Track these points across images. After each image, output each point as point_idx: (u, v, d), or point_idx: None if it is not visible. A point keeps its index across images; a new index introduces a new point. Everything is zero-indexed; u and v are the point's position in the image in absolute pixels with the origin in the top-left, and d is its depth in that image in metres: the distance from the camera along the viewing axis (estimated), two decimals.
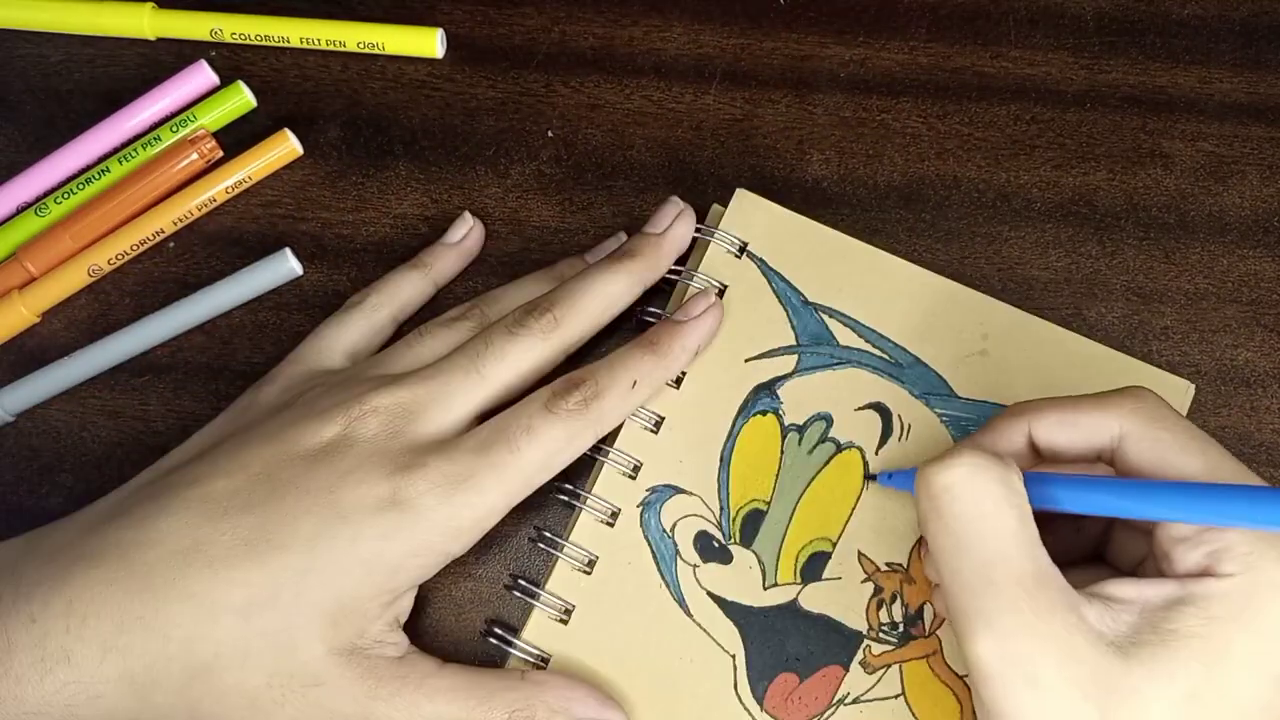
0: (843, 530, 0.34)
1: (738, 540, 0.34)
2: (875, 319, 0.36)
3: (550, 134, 0.40)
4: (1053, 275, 0.38)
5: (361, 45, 0.40)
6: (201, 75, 0.39)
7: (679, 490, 0.34)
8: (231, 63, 0.40)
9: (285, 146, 0.39)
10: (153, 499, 0.30)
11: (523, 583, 0.34)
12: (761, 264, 0.36)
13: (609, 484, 0.34)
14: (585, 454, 0.32)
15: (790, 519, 0.34)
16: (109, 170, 0.38)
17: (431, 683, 0.30)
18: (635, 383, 0.32)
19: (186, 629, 0.28)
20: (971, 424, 0.35)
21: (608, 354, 0.33)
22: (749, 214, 0.36)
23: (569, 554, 0.34)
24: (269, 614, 0.28)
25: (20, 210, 0.39)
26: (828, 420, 0.35)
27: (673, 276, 0.36)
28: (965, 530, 0.26)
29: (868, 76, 0.40)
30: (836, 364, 0.35)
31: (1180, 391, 0.35)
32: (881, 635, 0.33)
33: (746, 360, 0.35)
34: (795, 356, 0.35)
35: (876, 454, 0.35)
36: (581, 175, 0.39)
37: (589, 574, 0.34)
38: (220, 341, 0.38)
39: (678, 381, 0.35)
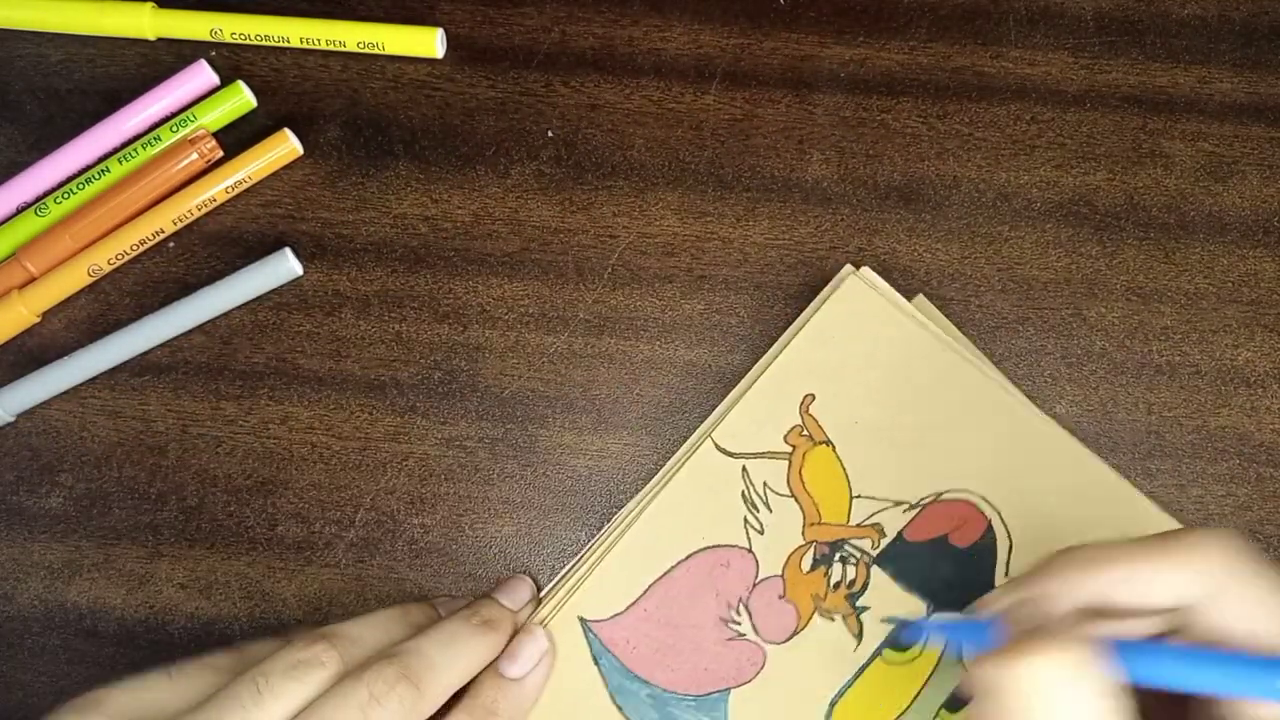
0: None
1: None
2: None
3: (550, 134, 0.40)
4: (1053, 275, 0.38)
5: (361, 45, 0.40)
6: (202, 75, 0.39)
7: None
8: (231, 63, 0.40)
9: (285, 146, 0.39)
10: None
11: None
12: None
13: None
14: None
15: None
16: (109, 170, 0.38)
17: None
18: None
19: None
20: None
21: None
22: None
23: None
24: None
25: (20, 210, 0.39)
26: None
27: None
28: None
29: (868, 76, 0.40)
30: None
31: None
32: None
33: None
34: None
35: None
36: (581, 175, 0.39)
37: None
38: (220, 341, 0.38)
39: None
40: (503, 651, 0.32)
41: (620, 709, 0.34)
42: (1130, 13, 0.41)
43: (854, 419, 0.36)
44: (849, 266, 0.37)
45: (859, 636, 0.34)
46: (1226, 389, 0.37)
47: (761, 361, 0.37)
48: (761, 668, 0.34)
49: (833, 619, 0.34)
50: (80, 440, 0.37)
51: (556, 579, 0.35)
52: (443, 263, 0.38)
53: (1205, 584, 0.24)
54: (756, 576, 0.35)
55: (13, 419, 0.37)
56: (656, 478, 0.36)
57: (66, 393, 0.37)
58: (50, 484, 0.37)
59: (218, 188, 0.38)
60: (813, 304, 0.37)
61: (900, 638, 0.34)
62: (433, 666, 0.29)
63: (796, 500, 0.35)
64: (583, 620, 0.34)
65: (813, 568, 0.35)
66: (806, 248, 0.38)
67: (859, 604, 0.34)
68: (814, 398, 0.36)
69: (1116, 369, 0.37)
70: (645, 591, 0.34)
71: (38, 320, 0.38)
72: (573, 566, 0.35)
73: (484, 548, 0.36)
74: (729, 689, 0.34)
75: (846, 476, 0.35)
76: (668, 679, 0.34)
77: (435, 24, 0.40)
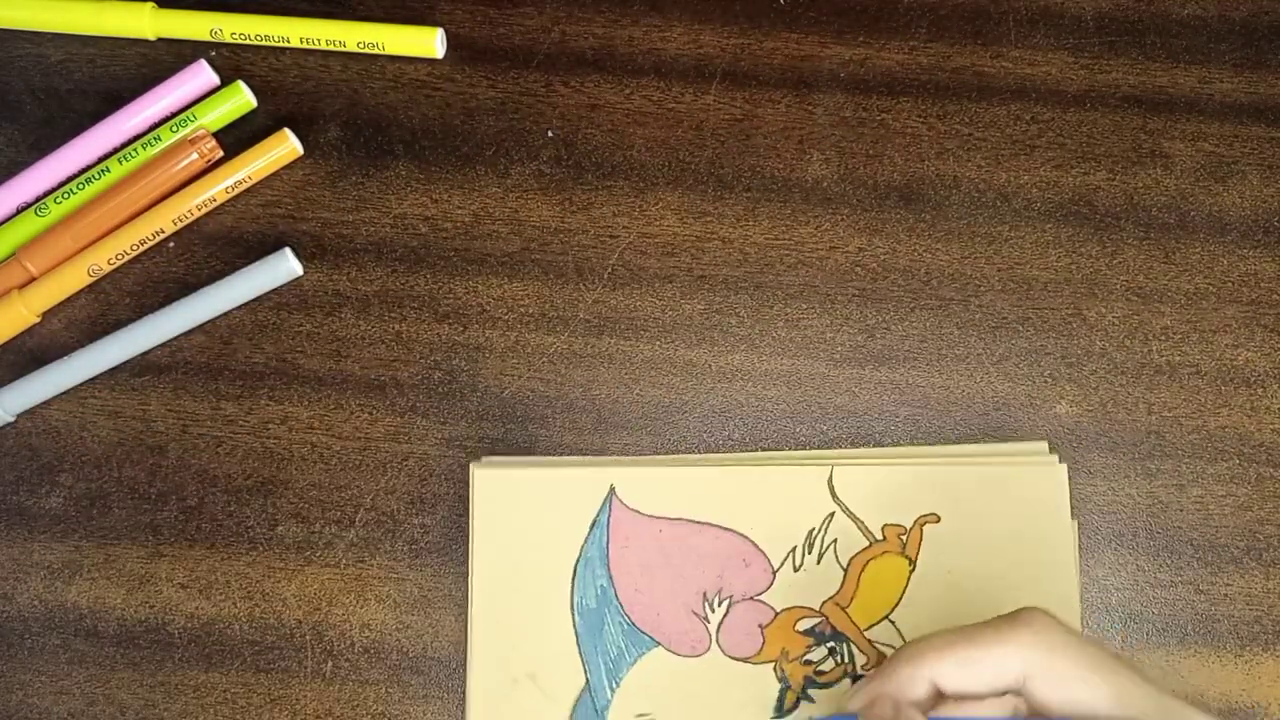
0: None
1: None
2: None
3: (550, 134, 0.40)
4: (1053, 275, 0.38)
5: (361, 45, 0.40)
6: (202, 75, 0.39)
7: None
8: (231, 63, 0.40)
9: (285, 146, 0.39)
10: None
11: None
12: None
13: None
14: None
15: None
16: (109, 170, 0.38)
17: None
18: None
19: None
20: None
21: None
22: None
23: None
24: None
25: (20, 210, 0.39)
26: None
27: None
28: None
29: (868, 76, 0.40)
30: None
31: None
32: (848, 658, 0.34)
33: None
34: None
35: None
36: (581, 175, 0.39)
37: None
38: (220, 341, 0.38)
39: None
40: None
41: (574, 575, 0.35)
42: (1130, 13, 0.41)
43: (949, 568, 0.35)
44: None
45: (782, 710, 0.34)
46: (1226, 389, 0.37)
47: (935, 451, 0.37)
48: (697, 655, 0.34)
49: (780, 680, 0.35)
50: (80, 440, 0.37)
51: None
52: (443, 263, 0.38)
53: (1025, 661, 0.26)
54: (758, 594, 0.35)
55: (13, 419, 0.37)
56: (759, 455, 0.37)
57: (66, 393, 0.37)
58: (50, 484, 0.37)
59: (218, 188, 0.38)
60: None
61: None
62: None
63: (845, 576, 0.35)
64: (612, 488, 0.35)
65: (806, 633, 0.35)
66: (806, 248, 0.38)
67: (809, 690, 0.34)
68: (938, 519, 0.35)
69: (1116, 369, 0.37)
70: (675, 519, 0.35)
71: (38, 320, 0.38)
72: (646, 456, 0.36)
73: None
74: (659, 645, 0.35)
75: (899, 600, 0.35)
76: (627, 594, 0.35)
77: (435, 24, 0.40)
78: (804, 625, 0.35)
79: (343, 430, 0.37)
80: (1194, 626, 0.36)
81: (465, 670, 0.35)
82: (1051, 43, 0.40)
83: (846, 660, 0.35)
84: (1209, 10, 0.41)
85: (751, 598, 0.35)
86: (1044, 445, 0.36)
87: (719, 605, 0.35)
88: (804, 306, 0.38)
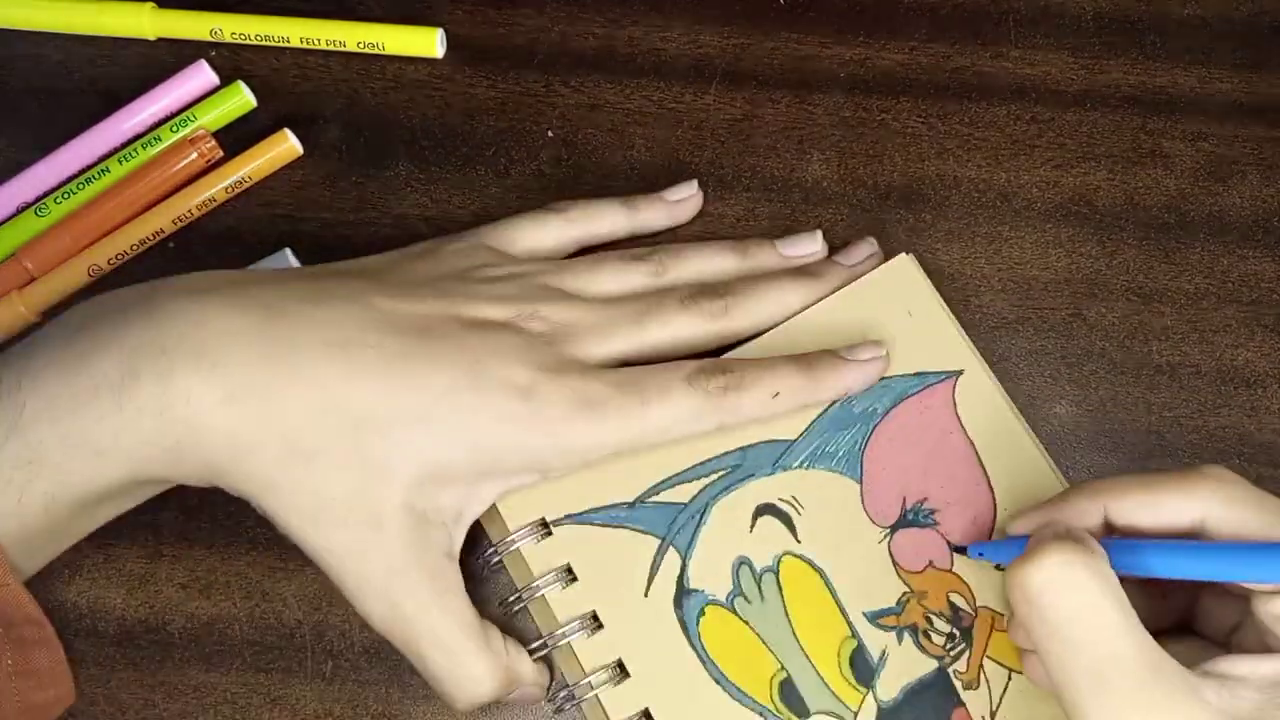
0: (847, 619, 0.33)
1: (799, 715, 0.32)
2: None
3: (550, 134, 0.40)
4: (1053, 275, 0.38)
5: (361, 45, 0.40)
6: (201, 75, 0.39)
7: None
8: (231, 63, 0.40)
9: (285, 146, 0.39)
10: (315, 280, 0.30)
11: None
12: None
13: None
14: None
15: (808, 657, 0.33)
16: (109, 170, 0.38)
17: (454, 602, 0.30)
18: (778, 394, 0.33)
19: (301, 415, 0.28)
20: (824, 447, 0.34)
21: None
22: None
23: None
24: (377, 439, 0.29)
25: (20, 210, 0.39)
26: (745, 561, 0.33)
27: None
28: (1070, 633, 0.26)
29: (868, 76, 0.40)
30: (697, 519, 0.34)
31: (907, 270, 0.36)
32: (953, 653, 0.33)
33: (645, 595, 0.33)
34: (671, 549, 0.33)
35: (800, 541, 0.34)
36: (581, 175, 0.39)
37: None
38: None
39: (594, 627, 0.33)
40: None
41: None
42: (1130, 13, 0.41)
43: None
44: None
45: (874, 619, 0.33)
46: (1226, 389, 0.37)
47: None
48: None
49: (898, 603, 0.33)
50: None
51: None
52: None
53: (1207, 507, 0.27)
54: (951, 543, 0.34)
55: None
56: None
57: None
58: None
59: (218, 188, 0.38)
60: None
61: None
62: (748, 291, 0.35)
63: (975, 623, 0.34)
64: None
65: (949, 606, 0.33)
66: None
67: (903, 637, 0.33)
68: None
69: (1116, 369, 0.37)
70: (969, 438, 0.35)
71: (38, 320, 0.38)
72: None
73: (484, 548, 0.36)
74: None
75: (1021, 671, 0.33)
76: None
77: (435, 24, 0.40)
78: (954, 599, 0.33)
79: None
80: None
81: None
82: (1051, 43, 0.40)
83: (950, 655, 0.33)
84: (1209, 10, 0.41)
85: (946, 539, 0.34)
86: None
87: (916, 512, 0.34)
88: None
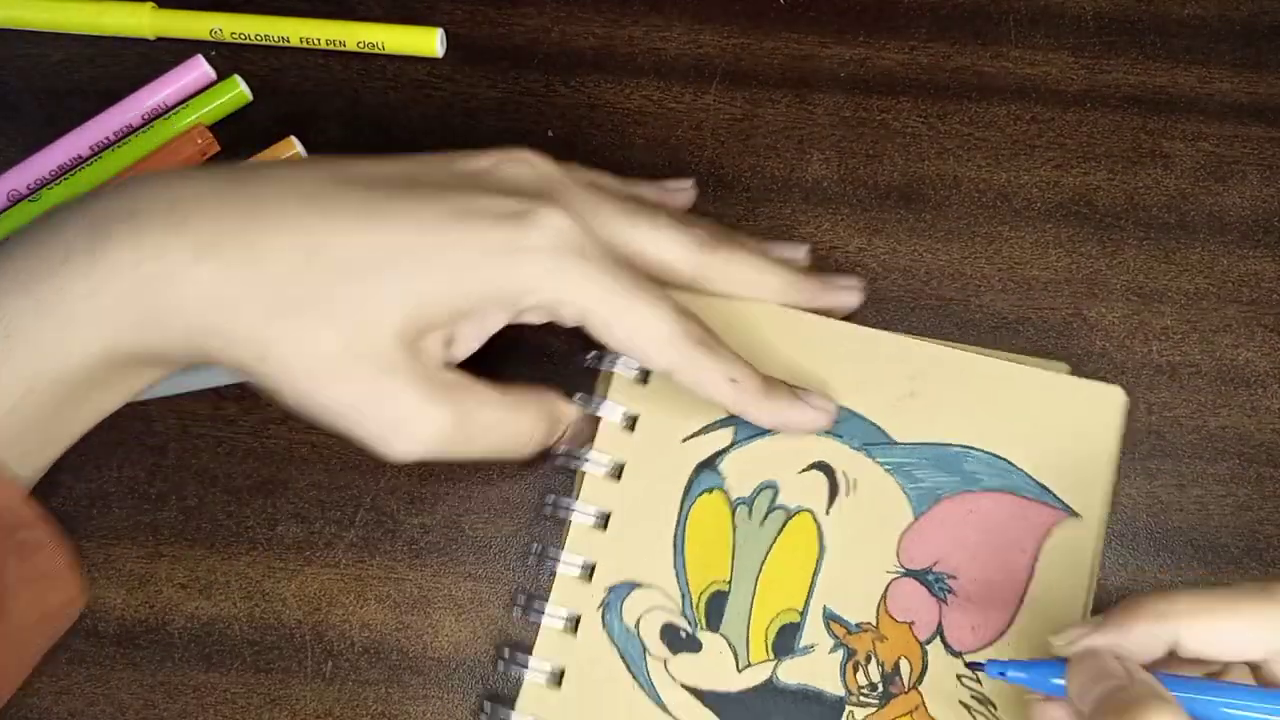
0: (808, 598, 0.33)
1: (705, 626, 0.33)
2: (802, 379, 0.34)
3: (550, 134, 0.40)
4: (1053, 275, 0.38)
5: (361, 45, 0.40)
6: (197, 70, 0.39)
7: (636, 585, 0.33)
8: (231, 62, 0.40)
9: (290, 152, 0.38)
10: (291, 162, 0.30)
11: (490, 704, 0.33)
12: None
13: (564, 591, 0.34)
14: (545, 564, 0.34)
15: (754, 595, 0.33)
16: (102, 159, 0.38)
17: (478, 388, 0.30)
18: (735, 380, 0.32)
19: (283, 263, 0.27)
20: (914, 469, 0.34)
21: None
22: None
23: (535, 668, 0.33)
24: (360, 281, 0.28)
25: (15, 201, 0.38)
26: (774, 488, 0.34)
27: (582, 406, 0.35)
28: None
29: (868, 76, 0.40)
30: (773, 430, 0.34)
31: (1112, 402, 0.34)
32: (863, 699, 0.32)
33: (684, 440, 0.34)
34: (731, 429, 0.34)
35: (828, 513, 0.34)
36: None
37: (559, 688, 0.33)
38: None
39: (618, 474, 0.34)
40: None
41: None
42: (1130, 13, 0.41)
43: None
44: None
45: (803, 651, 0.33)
46: (1226, 389, 0.37)
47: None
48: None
49: (870, 655, 0.33)
50: (80, 440, 0.37)
51: None
52: None
53: None
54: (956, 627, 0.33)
55: None
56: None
57: None
58: (50, 484, 0.37)
59: None
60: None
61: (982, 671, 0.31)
62: (738, 249, 0.35)
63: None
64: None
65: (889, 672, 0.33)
66: None
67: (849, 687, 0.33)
68: None
69: (1116, 369, 0.37)
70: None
71: None
72: None
73: (484, 548, 0.36)
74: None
75: None
76: None
77: (435, 24, 0.40)
78: (901, 665, 0.33)
79: None
80: None
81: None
82: (1051, 43, 0.40)
83: (859, 700, 0.32)
84: (1209, 10, 0.41)
85: (941, 631, 0.33)
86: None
87: (937, 578, 0.33)
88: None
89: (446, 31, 0.40)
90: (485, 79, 0.40)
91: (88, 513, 0.37)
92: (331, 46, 0.40)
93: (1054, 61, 0.40)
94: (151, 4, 0.40)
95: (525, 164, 0.31)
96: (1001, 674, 0.29)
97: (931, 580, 0.33)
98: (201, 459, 0.37)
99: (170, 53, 0.40)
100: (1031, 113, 0.40)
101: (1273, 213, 0.39)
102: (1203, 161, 0.39)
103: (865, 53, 0.40)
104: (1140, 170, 0.39)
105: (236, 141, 0.39)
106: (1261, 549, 0.36)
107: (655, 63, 0.40)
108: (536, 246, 0.29)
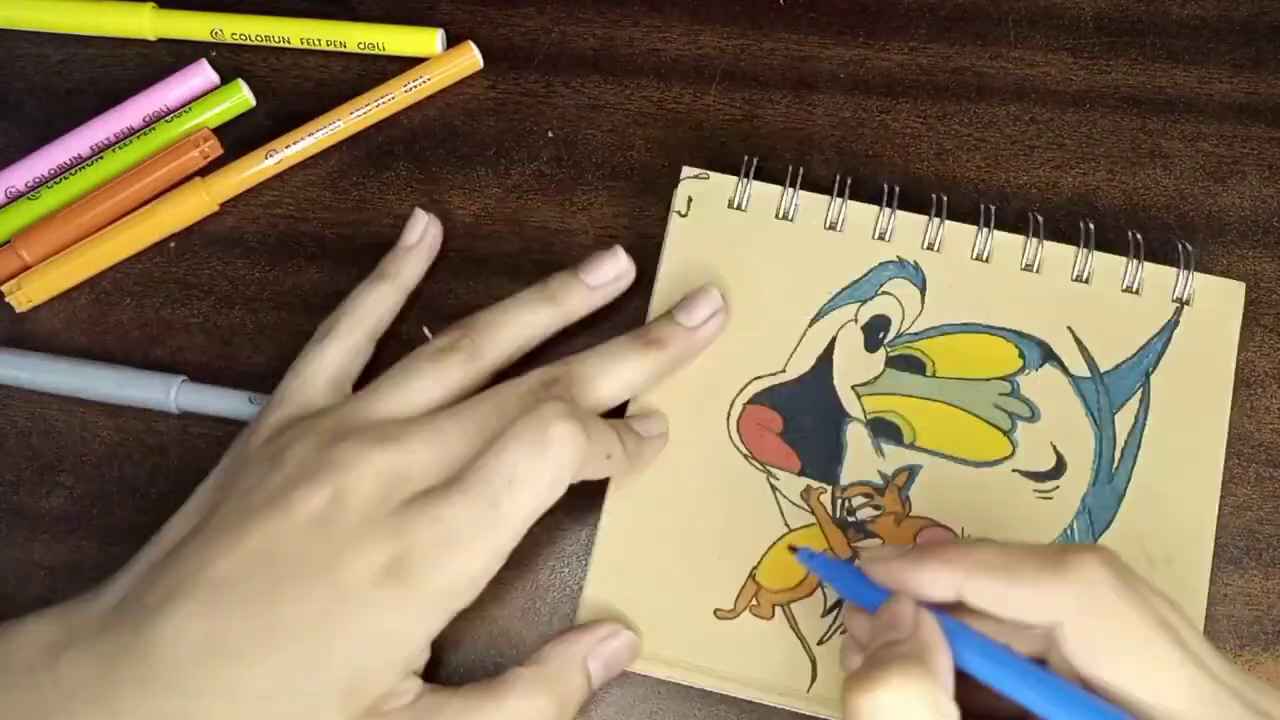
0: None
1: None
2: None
3: (550, 134, 0.40)
4: None
5: (361, 45, 0.40)
6: (202, 74, 0.39)
7: None
8: (232, 63, 0.40)
9: (467, 56, 0.39)
10: (163, 587, 0.29)
11: None
12: None
13: None
14: None
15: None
16: (103, 158, 0.38)
17: (447, 714, 0.30)
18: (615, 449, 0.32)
19: None
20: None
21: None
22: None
23: None
24: (290, 699, 0.28)
25: (14, 198, 0.38)
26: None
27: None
28: None
29: (868, 77, 0.40)
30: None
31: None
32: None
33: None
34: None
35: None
36: (581, 175, 0.39)
37: None
38: (221, 341, 0.38)
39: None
40: (682, 301, 0.35)
41: None
42: (1130, 13, 0.41)
43: None
44: None
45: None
46: None
47: None
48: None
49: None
50: (80, 440, 0.37)
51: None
52: (443, 263, 0.38)
53: (1064, 612, 0.24)
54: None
55: None
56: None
57: (67, 393, 0.37)
58: (51, 484, 0.37)
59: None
60: None
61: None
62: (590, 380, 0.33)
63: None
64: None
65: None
66: None
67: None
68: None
69: None
70: None
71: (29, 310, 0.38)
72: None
73: None
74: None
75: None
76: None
77: (435, 24, 0.40)
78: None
79: None
80: None
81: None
82: (1051, 43, 0.40)
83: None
84: (1209, 10, 0.41)
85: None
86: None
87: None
88: None
89: (446, 31, 0.40)
90: (485, 79, 0.40)
91: (88, 513, 0.37)
92: (331, 47, 0.40)
93: (1053, 62, 0.40)
94: (152, 4, 0.40)
95: (367, 479, 0.30)
96: (809, 562, 0.30)
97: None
98: (202, 459, 0.37)
99: (170, 53, 0.40)
100: (1031, 113, 0.40)
101: (1272, 213, 0.39)
102: (1202, 161, 0.39)
103: (865, 53, 0.40)
104: (1140, 170, 0.39)
105: (236, 142, 0.39)
106: (1261, 549, 0.36)
107: (655, 63, 0.40)
108: (427, 586, 0.29)
